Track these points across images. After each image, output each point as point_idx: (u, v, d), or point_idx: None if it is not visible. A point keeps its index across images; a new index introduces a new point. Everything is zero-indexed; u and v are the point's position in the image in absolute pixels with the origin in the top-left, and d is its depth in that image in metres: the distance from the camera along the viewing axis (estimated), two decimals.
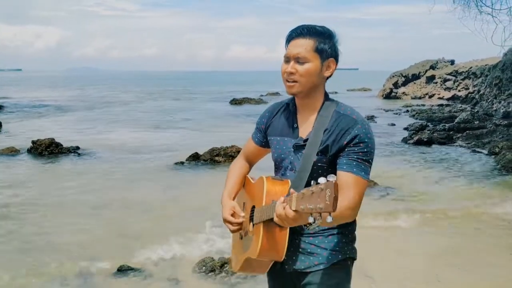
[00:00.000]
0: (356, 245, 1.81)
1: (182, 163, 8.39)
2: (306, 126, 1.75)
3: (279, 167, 1.82)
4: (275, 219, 1.48)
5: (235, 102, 23.75)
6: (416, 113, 17.76)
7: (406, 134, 11.84)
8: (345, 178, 1.63)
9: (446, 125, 12.91)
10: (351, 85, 42.76)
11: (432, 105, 21.46)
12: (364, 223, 5.33)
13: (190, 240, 4.50)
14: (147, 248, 4.45)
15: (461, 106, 19.72)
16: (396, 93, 28.84)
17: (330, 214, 1.27)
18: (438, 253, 4.37)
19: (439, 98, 27.09)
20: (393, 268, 4.03)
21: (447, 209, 5.77)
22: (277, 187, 1.69)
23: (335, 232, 1.75)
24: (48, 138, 9.50)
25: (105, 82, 61.65)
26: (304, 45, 1.66)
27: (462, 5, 13.04)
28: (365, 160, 1.65)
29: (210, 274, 3.82)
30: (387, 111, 20.07)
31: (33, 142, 9.39)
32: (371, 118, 16.81)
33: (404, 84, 29.72)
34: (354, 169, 1.63)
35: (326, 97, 1.77)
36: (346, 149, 1.65)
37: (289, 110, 1.82)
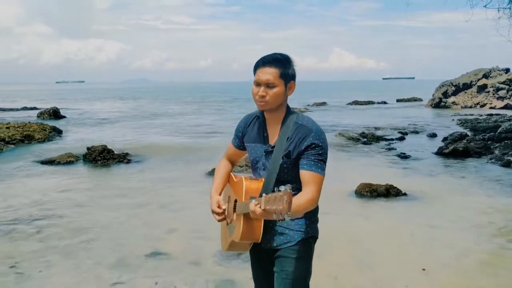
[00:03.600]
0: (319, 225, 2.27)
1: None
2: (274, 135, 2.21)
3: (255, 168, 2.29)
4: (250, 213, 1.94)
5: None
6: (461, 122, 17.47)
7: (443, 144, 11.82)
8: (306, 175, 2.07)
9: (486, 135, 12.71)
10: (404, 95, 42.09)
11: (481, 115, 20.91)
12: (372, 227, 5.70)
13: (213, 233, 5.05)
14: (176, 238, 5.15)
15: (510, 116, 19.10)
16: (446, 102, 28.19)
17: (287, 213, 1.78)
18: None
19: (491, 107, 26.23)
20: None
21: (461, 220, 5.91)
22: (254, 185, 2.14)
23: (300, 217, 2.18)
24: (101, 145, 10.45)
25: (159, 94, 64.29)
26: (272, 73, 2.07)
27: (508, 13, 12.86)
28: (320, 159, 2.08)
29: (228, 259, 4.45)
30: (432, 121, 19.84)
31: (88, 148, 10.37)
32: (413, 126, 16.77)
33: (455, 93, 29.02)
34: (313, 168, 2.06)
35: (288, 110, 2.22)
36: (304, 153, 2.08)
37: (260, 121, 2.27)
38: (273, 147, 2.17)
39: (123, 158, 10.28)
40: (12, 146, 12.05)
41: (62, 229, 5.50)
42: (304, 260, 2.20)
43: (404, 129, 16.22)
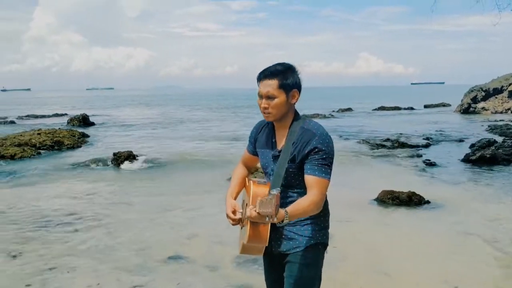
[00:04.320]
0: (336, 232, 2.30)
1: None
2: (281, 140, 2.26)
3: (266, 173, 2.35)
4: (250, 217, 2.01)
5: None
6: (490, 128, 17.05)
7: (470, 151, 11.56)
8: (310, 179, 2.10)
9: None
10: (432, 100, 41.38)
11: (511, 120, 20.35)
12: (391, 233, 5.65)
13: (233, 239, 5.12)
14: (196, 243, 5.25)
15: None
16: (475, 108, 27.57)
17: (285, 217, 1.91)
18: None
19: None
20: None
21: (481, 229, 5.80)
22: (260, 189, 2.19)
23: (309, 222, 2.22)
24: (127, 151, 10.72)
25: (186, 100, 65.14)
26: (271, 85, 2.11)
27: None
28: (324, 164, 2.10)
29: (247, 264, 4.50)
30: (460, 127, 19.42)
31: (114, 154, 10.65)
32: (440, 133, 16.47)
33: (484, 99, 28.32)
34: (316, 172, 2.09)
35: (296, 116, 2.25)
36: (309, 157, 2.11)
37: (269, 128, 2.33)
38: (280, 151, 2.22)
39: (148, 164, 10.49)
40: (43, 151, 12.48)
41: (87, 232, 5.69)
42: (312, 266, 2.23)
43: (430, 135, 15.93)
